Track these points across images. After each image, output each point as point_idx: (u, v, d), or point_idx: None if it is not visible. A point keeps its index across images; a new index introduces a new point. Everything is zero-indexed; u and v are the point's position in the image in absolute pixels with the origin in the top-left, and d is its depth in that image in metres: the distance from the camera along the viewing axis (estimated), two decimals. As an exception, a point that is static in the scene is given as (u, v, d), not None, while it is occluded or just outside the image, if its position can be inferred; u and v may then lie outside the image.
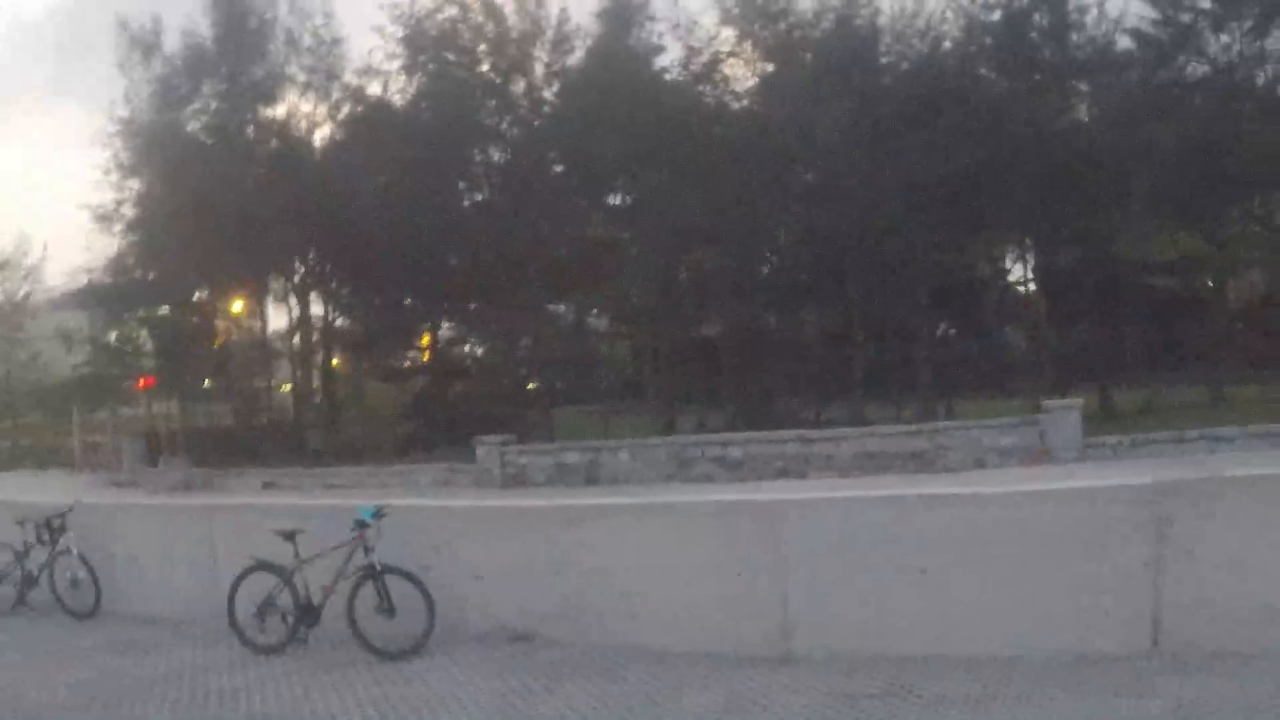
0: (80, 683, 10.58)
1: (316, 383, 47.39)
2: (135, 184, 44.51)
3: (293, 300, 46.68)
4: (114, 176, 44.20)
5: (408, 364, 47.25)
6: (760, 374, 40.27)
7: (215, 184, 38.94)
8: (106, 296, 46.68)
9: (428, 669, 10.19)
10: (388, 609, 10.59)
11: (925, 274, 38.65)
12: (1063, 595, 9.14)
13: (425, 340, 47.60)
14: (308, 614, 11.10)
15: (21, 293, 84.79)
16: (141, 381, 44.84)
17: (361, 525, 10.74)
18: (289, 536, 11.01)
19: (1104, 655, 8.81)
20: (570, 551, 10.62)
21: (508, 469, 29.26)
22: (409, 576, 10.57)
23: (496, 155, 43.47)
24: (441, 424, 38.70)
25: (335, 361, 47.37)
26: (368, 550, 10.70)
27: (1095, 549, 9.11)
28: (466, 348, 50.67)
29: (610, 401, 44.91)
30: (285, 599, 11.14)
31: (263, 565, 11.24)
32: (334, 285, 46.20)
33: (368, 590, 10.66)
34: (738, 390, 40.60)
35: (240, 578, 11.38)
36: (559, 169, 42.51)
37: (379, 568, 10.64)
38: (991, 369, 41.03)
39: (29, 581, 14.21)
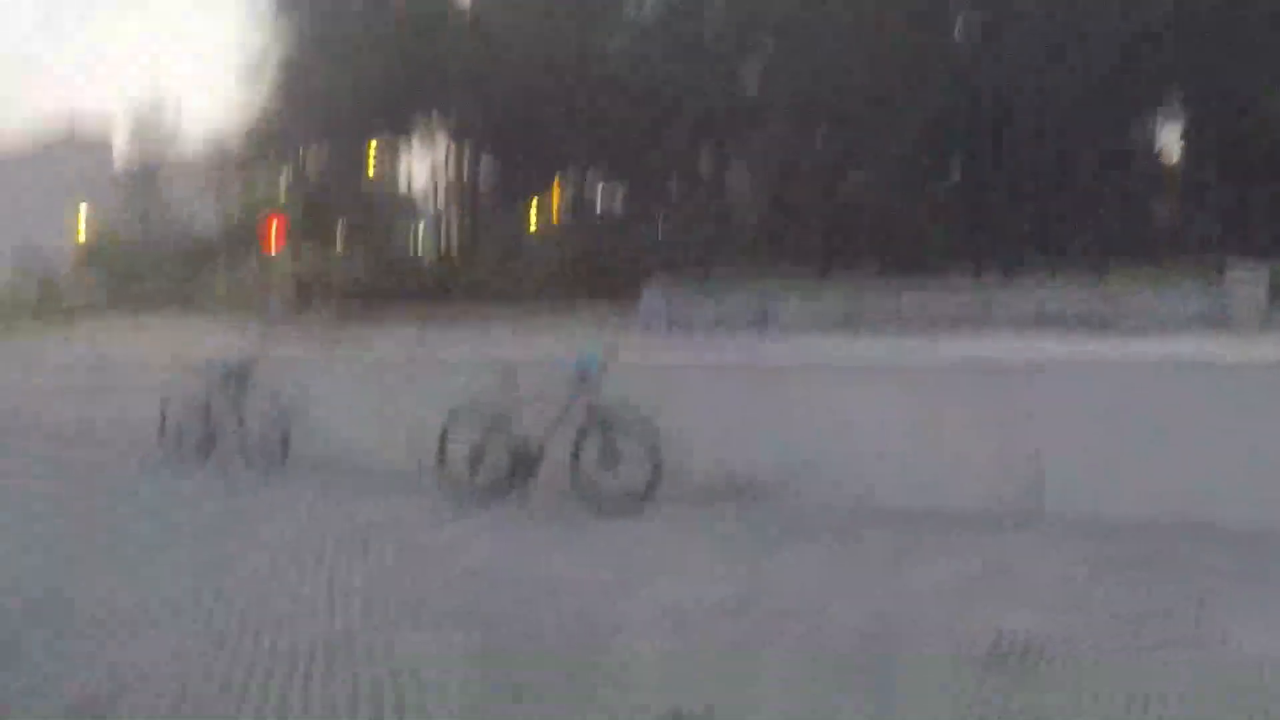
0: (284, 536, 10.14)
1: (460, 234, 47.15)
2: (281, 38, 44.18)
3: (437, 151, 46.35)
4: (258, 32, 43.91)
5: (553, 215, 46.71)
6: (906, 231, 39.14)
7: (361, 34, 38.46)
8: (249, 150, 46.69)
9: (653, 523, 9.68)
10: (610, 461, 10.04)
11: (1083, 137, 37.08)
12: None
13: (558, 192, 47.09)
14: (524, 465, 10.59)
15: (159, 151, 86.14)
16: (274, 230, 44.79)
17: (584, 373, 10.17)
18: (505, 384, 10.44)
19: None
20: (802, 408, 10.07)
21: (673, 314, 28.66)
22: (633, 427, 9.99)
23: (649, 6, 42.34)
24: (594, 274, 38.20)
25: (478, 213, 46.97)
26: (590, 399, 10.14)
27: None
28: (609, 200, 50.09)
29: (751, 256, 44.08)
30: (499, 449, 10.63)
31: (475, 413, 10.71)
32: (479, 137, 45.63)
33: (589, 441, 10.13)
34: (883, 247, 39.53)
35: (451, 426, 10.86)
36: (711, 20, 41.30)
37: (602, 418, 10.06)
38: (1145, 238, 39.42)
39: (212, 433, 13.88)
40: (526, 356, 12.16)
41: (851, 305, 27.34)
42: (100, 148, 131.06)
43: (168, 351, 18.56)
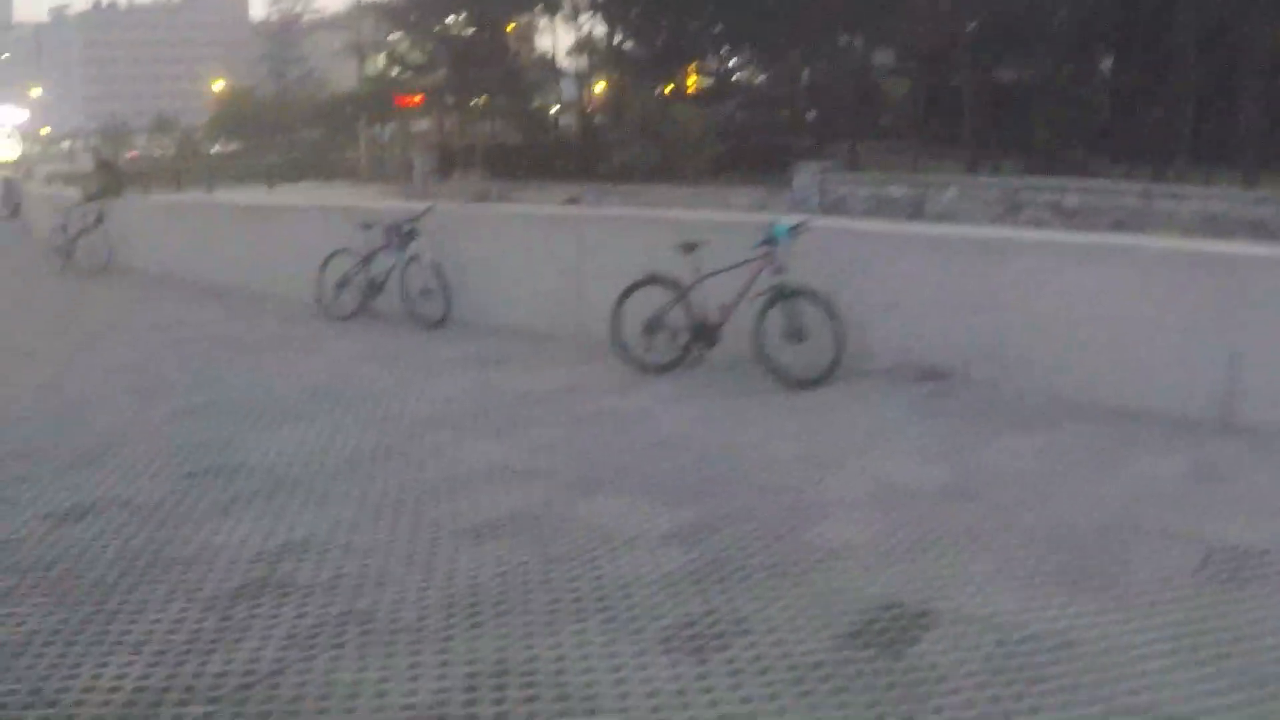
0: (460, 399, 9.99)
1: (604, 109, 46.77)
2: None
3: (582, 27, 45.87)
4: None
5: (697, 95, 46.11)
6: (1057, 126, 37.99)
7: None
8: (389, 12, 46.48)
9: (839, 401, 9.35)
10: (794, 335, 9.67)
11: (1235, 38, 35.51)
12: None
13: (702, 72, 46.49)
14: (704, 334, 10.27)
15: (295, 10, 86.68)
16: (417, 95, 44.70)
17: (772, 242, 9.77)
18: (689, 249, 10.09)
19: None
20: (996, 287, 9.55)
21: (826, 197, 28.13)
22: (819, 300, 9.59)
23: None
24: (737, 154, 37.67)
25: (622, 89, 46.47)
26: (777, 269, 9.73)
27: None
28: (753, 81, 49.38)
29: (899, 143, 43.19)
30: (679, 317, 10.32)
31: (655, 280, 10.40)
32: (625, 14, 45.01)
33: (773, 314, 9.76)
34: (1027, 139, 38.44)
35: (628, 292, 10.57)
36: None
37: (788, 290, 9.67)
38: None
39: (374, 287, 13.75)
40: (741, 222, 11.75)
41: (1008, 197, 26.55)
42: (236, 2, 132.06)
43: (321, 209, 18.50)
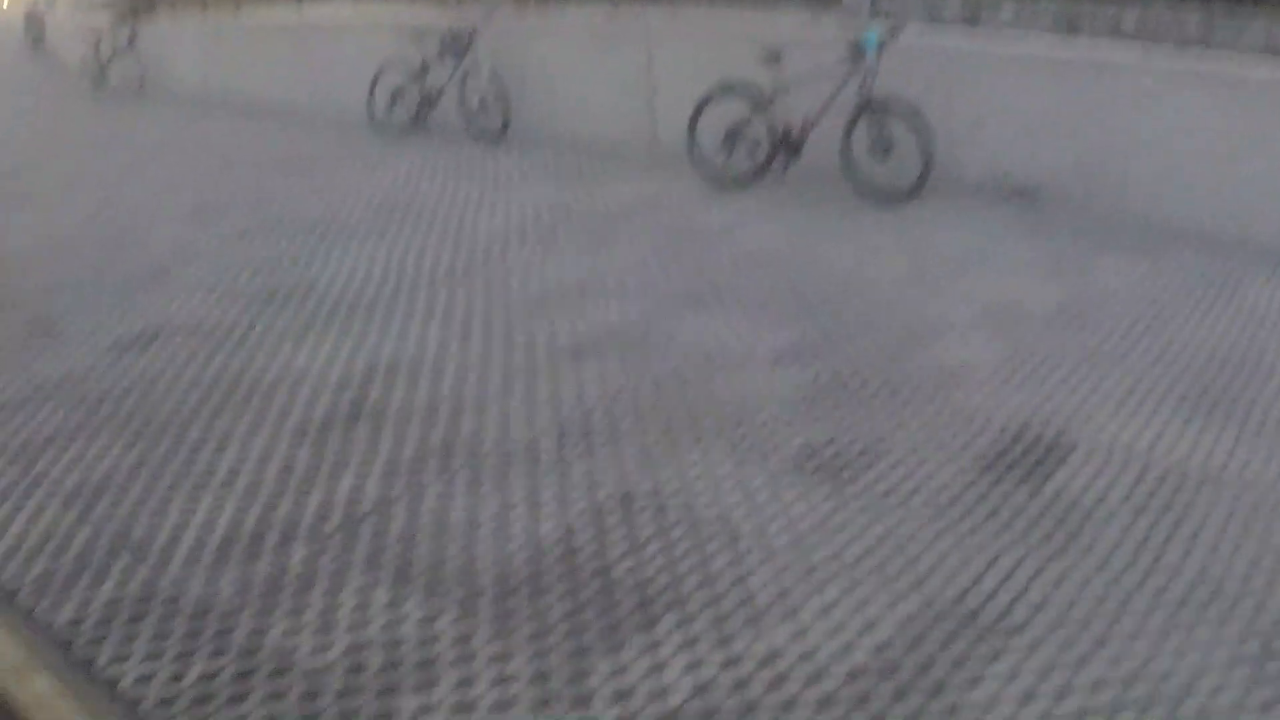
0: (529, 211, 9.68)
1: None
2: None
3: None
4: None
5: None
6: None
7: None
8: None
9: (930, 217, 8.96)
10: (881, 149, 9.21)
11: None
12: None
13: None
14: (787, 147, 9.80)
15: None
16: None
17: (860, 52, 9.24)
18: (772, 59, 9.58)
19: None
20: (1092, 107, 9.04)
21: (879, 10, 27.19)
22: (908, 113, 9.10)
23: None
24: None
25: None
26: (866, 81, 9.22)
27: None
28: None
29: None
30: (759, 129, 9.82)
31: (734, 89, 9.89)
32: None
33: (860, 127, 9.29)
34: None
35: (704, 102, 10.07)
36: None
37: (876, 103, 9.19)
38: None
39: (429, 101, 13.28)
40: (824, 30, 11.22)
41: (1065, 15, 25.54)
42: None
43: (369, 21, 17.88)
